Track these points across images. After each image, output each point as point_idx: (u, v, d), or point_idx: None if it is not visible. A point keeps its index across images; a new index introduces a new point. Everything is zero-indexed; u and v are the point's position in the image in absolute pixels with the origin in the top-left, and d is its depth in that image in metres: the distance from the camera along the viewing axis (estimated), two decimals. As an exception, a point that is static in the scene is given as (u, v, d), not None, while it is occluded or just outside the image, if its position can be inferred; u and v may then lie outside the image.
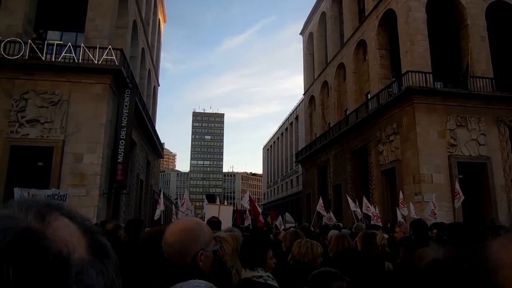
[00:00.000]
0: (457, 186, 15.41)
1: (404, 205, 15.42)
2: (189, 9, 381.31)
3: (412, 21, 21.91)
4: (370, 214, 15.59)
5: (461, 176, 18.98)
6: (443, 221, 11.89)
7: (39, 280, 0.44)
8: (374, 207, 16.99)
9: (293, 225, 20.82)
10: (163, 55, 43.55)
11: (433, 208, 13.96)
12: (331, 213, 18.82)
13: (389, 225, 14.48)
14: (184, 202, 12.87)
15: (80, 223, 0.55)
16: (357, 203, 17.53)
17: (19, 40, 17.45)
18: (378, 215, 15.25)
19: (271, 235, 7.40)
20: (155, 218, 14.85)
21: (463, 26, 23.06)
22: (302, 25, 45.79)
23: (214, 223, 5.48)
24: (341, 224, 13.64)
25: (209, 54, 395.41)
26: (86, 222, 0.56)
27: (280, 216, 19.42)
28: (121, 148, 18.53)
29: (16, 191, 9.79)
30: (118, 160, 18.36)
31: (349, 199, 18.63)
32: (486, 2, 23.23)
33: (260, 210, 15.36)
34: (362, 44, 29.18)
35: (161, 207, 13.99)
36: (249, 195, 14.25)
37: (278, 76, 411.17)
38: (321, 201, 18.96)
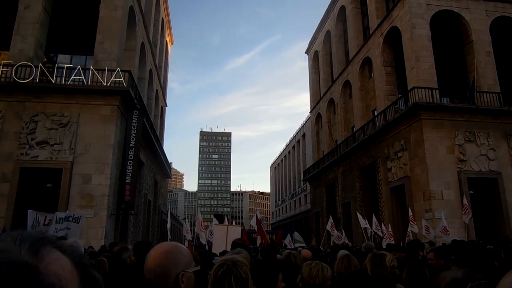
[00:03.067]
0: (465, 201, 15.16)
1: (413, 222, 15.19)
2: (195, 30, 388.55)
3: (417, 37, 22.04)
4: (380, 233, 15.36)
5: (472, 192, 18.70)
6: (455, 238, 11.68)
7: None
8: (385, 225, 16.75)
9: (303, 244, 20.56)
10: (169, 75, 44.20)
11: (445, 225, 13.72)
12: (342, 231, 18.58)
13: (401, 244, 14.23)
14: (197, 224, 12.98)
15: (71, 256, 0.55)
16: (366, 221, 17.31)
17: (30, 64, 17.86)
18: (391, 233, 15.01)
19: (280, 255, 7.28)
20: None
21: (468, 42, 23.14)
22: (307, 43, 46.37)
23: (239, 245, 5.59)
24: (350, 244, 13.47)
25: (215, 73, 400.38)
26: (77, 255, 0.56)
27: (288, 234, 19.22)
28: (129, 169, 18.62)
29: (30, 213, 9.73)
30: (126, 181, 18.43)
31: (359, 216, 18.42)
32: (490, 17, 23.36)
33: (264, 229, 15.36)
34: (367, 62, 29.36)
35: (168, 225, 14.14)
36: (257, 215, 14.22)
37: (283, 94, 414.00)
38: (331, 219, 18.78)
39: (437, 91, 20.93)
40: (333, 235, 18.06)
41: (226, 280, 2.01)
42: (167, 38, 40.48)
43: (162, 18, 36.04)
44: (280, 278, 2.86)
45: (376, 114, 26.39)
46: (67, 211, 12.19)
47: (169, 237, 14.83)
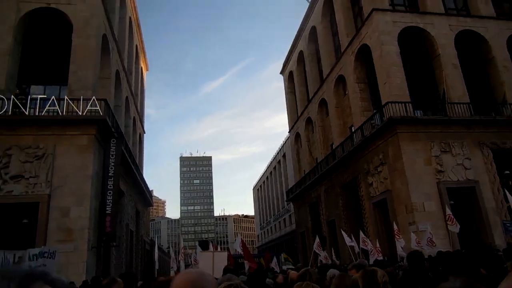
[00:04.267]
0: (448, 211, 15.42)
1: (399, 236, 15.27)
2: (168, 55, 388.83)
3: (386, 54, 22.76)
4: (368, 249, 15.35)
5: (452, 202, 19.04)
6: (441, 249, 11.78)
7: None
8: (371, 241, 16.77)
9: (291, 266, 20.31)
10: (145, 101, 43.91)
11: (430, 236, 13.87)
12: (332, 250, 18.46)
13: (386, 259, 14.26)
14: (180, 252, 12.71)
15: None
16: (352, 238, 17.32)
17: (2, 96, 17.42)
18: (379, 249, 15.02)
19: (269, 279, 7.15)
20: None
21: (435, 56, 24.06)
22: (280, 64, 47.21)
23: (231, 270, 6.03)
24: (337, 262, 13.41)
25: (191, 97, 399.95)
26: None
27: (275, 257, 18.98)
28: (109, 199, 18.14)
29: None
30: (107, 212, 17.92)
31: (344, 234, 18.41)
32: (454, 31, 24.43)
33: (251, 253, 15.11)
34: (341, 79, 30.02)
35: (156, 256, 13.83)
36: (241, 238, 14.00)
37: (260, 116, 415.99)
38: (317, 240, 18.70)
39: (410, 104, 21.50)
40: (320, 255, 17.95)
41: None
42: (142, 65, 40.47)
43: (136, 45, 36.11)
44: None
45: (353, 130, 26.83)
46: (43, 247, 11.66)
47: (157, 267, 14.44)
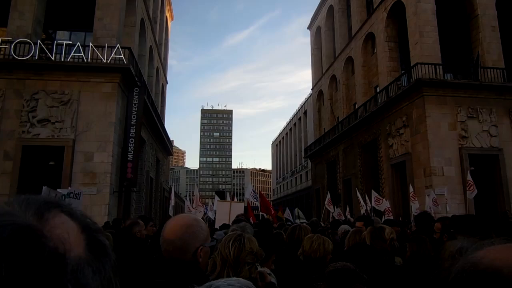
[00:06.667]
0: (469, 177, 15.26)
1: (414, 198, 15.29)
2: (193, 6, 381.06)
3: (421, 12, 21.62)
4: (381, 209, 15.48)
5: (472, 168, 18.76)
6: (454, 214, 11.78)
7: (34, 277, 0.43)
8: (386, 200, 16.86)
9: (304, 220, 20.77)
10: (169, 52, 43.63)
11: (435, 197, 14.00)
12: (347, 208, 18.71)
13: (400, 219, 14.39)
14: (194, 200, 12.96)
15: (79, 220, 0.54)
16: (366, 198, 17.46)
17: (29, 40, 17.64)
18: (389, 209, 15.16)
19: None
20: (170, 214, 15.13)
21: (474, 16, 22.69)
22: (307, 18, 45.72)
23: (241, 221, 5.98)
24: (352, 219, 13.61)
25: (214, 50, 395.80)
26: (86, 220, 0.55)
27: (287, 208, 19.33)
28: (130, 146, 18.66)
29: (44, 189, 9.96)
30: (128, 158, 18.51)
31: (358, 194, 18.55)
32: (497, -9, 22.82)
33: (270, 204, 15.11)
34: (370, 37, 28.92)
35: (172, 202, 14.26)
36: (254, 187, 13.87)
37: (283, 71, 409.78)
38: (328, 196, 18.89)
39: (440, 67, 20.69)
40: (332, 212, 18.22)
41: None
42: (167, 14, 39.77)
43: (161, -8, 35.30)
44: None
45: (378, 90, 26.20)
46: (69, 188, 12.32)
47: (172, 213, 15.03)
